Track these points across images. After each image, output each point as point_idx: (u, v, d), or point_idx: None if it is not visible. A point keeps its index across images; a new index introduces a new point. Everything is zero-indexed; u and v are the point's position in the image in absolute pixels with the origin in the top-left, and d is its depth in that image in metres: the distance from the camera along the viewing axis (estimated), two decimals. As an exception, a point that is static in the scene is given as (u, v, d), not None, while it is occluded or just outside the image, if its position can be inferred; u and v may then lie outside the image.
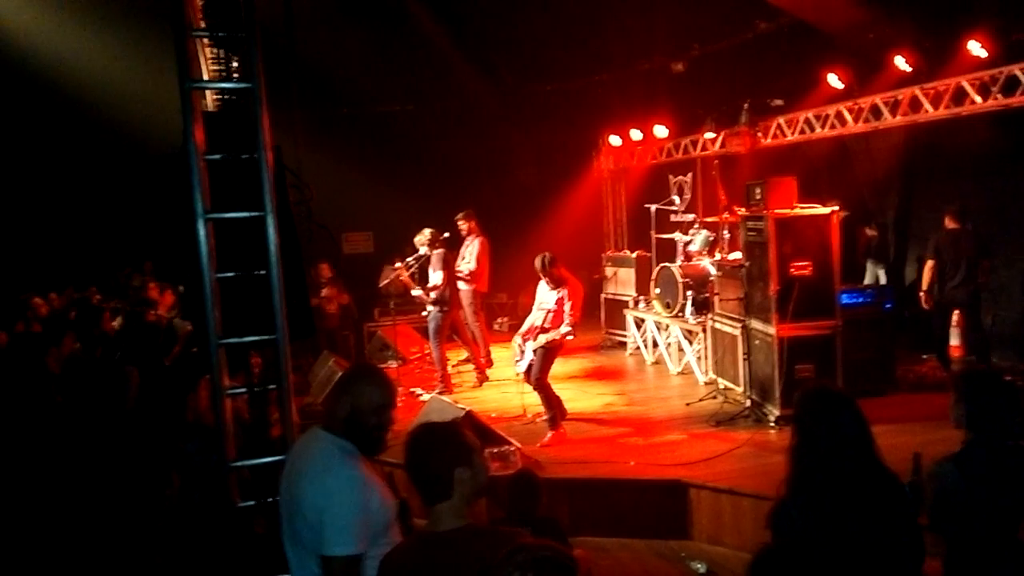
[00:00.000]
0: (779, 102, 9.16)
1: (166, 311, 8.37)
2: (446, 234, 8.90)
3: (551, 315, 6.73)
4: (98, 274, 10.36)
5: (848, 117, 8.04)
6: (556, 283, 6.73)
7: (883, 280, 9.82)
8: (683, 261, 9.26)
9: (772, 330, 6.65)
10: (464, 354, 9.93)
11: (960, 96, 6.93)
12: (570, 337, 6.79)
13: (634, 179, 12.24)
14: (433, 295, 8.52)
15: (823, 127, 8.39)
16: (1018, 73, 6.41)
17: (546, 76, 12.64)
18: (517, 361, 7.01)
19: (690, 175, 11.24)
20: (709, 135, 9.83)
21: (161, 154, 3.86)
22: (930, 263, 7.88)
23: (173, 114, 3.49)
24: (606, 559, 5.34)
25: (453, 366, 9.44)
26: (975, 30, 6.78)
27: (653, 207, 10.27)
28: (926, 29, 7.80)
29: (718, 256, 8.55)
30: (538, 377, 6.77)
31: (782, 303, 6.57)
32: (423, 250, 8.65)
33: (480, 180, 12.70)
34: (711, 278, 8.34)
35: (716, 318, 8.03)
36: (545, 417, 6.87)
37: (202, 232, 3.41)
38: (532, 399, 7.12)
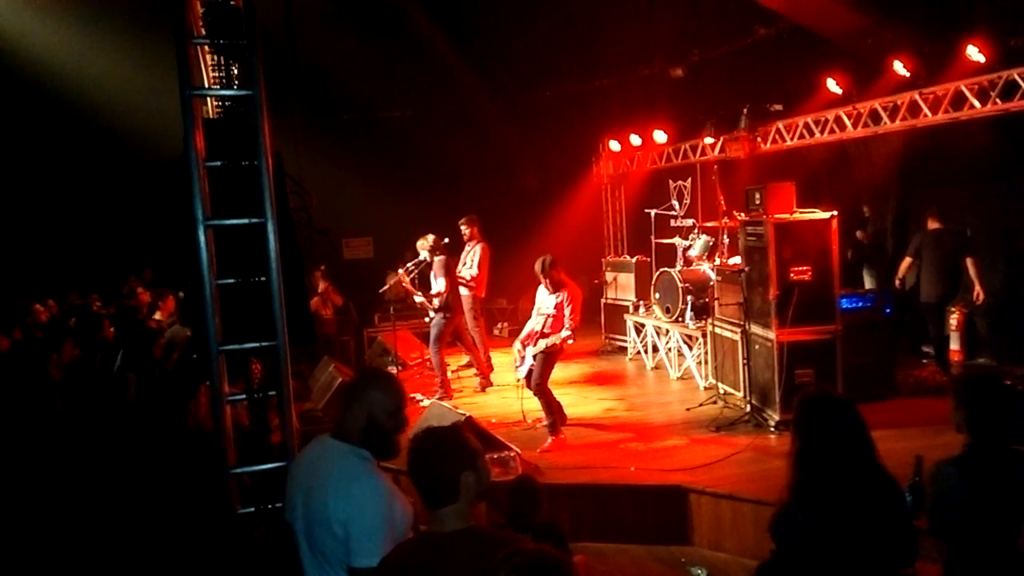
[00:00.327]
0: (778, 107, 9.18)
1: (166, 317, 8.37)
2: (446, 240, 8.91)
3: (551, 320, 6.73)
4: (99, 281, 10.37)
5: (847, 122, 8.06)
6: (555, 286, 6.73)
7: (869, 286, 9.84)
8: (683, 266, 9.27)
9: (772, 335, 6.65)
10: (464, 359, 9.93)
11: (959, 101, 6.95)
12: (570, 341, 6.79)
13: (634, 184, 12.26)
14: (436, 302, 8.53)
15: (822, 132, 8.40)
16: (1016, 77, 6.42)
17: (546, 81, 12.67)
18: (517, 366, 7.00)
19: (690, 180, 11.25)
20: (708, 140, 9.85)
21: (162, 161, 3.87)
22: (908, 260, 8.21)
23: (174, 121, 3.50)
24: (606, 564, 5.34)
25: (453, 371, 9.44)
26: (974, 35, 6.79)
27: (653, 212, 10.29)
28: (925, 34, 7.82)
29: (718, 261, 8.55)
30: (538, 382, 6.77)
31: (782, 308, 6.58)
32: (424, 255, 8.65)
33: (480, 185, 12.73)
34: (711, 283, 8.35)
35: (716, 323, 8.03)
36: (545, 422, 6.86)
37: (202, 239, 3.42)
38: (532, 404, 7.11)
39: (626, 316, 10.32)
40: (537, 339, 6.78)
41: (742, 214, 7.43)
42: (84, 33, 10.56)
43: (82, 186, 11.49)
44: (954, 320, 8.37)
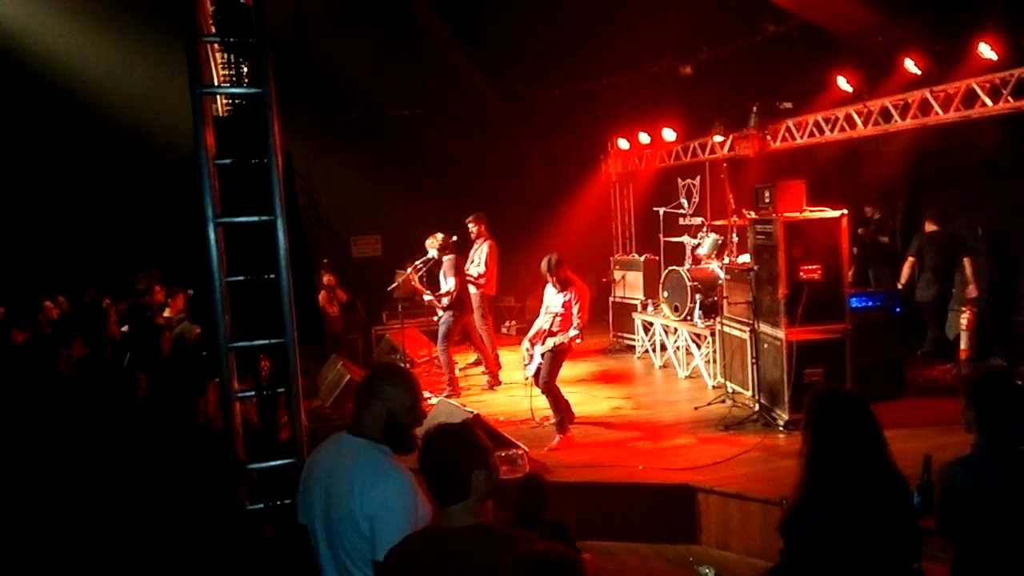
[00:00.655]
0: (788, 105, 9.14)
1: (175, 314, 8.40)
2: (454, 238, 8.92)
3: (559, 319, 6.74)
4: (111, 278, 10.42)
5: (857, 120, 8.02)
6: (562, 284, 6.73)
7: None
8: (691, 264, 9.25)
9: (781, 334, 6.63)
10: (472, 357, 9.94)
11: (970, 99, 6.90)
12: (578, 340, 6.79)
13: (642, 182, 12.24)
14: (446, 301, 8.54)
15: (832, 130, 8.37)
16: (1029, 76, 6.39)
17: (554, 80, 12.65)
18: (526, 365, 7.02)
19: (698, 178, 11.21)
20: (718, 138, 9.82)
21: (172, 159, 3.88)
22: (911, 260, 8.46)
23: (184, 119, 3.51)
24: (613, 563, 5.34)
25: (461, 369, 9.45)
26: (985, 32, 6.75)
27: (661, 210, 10.27)
28: (936, 32, 7.78)
29: (727, 259, 8.53)
30: (546, 380, 6.78)
31: (791, 307, 6.56)
32: (432, 253, 8.67)
33: (488, 184, 12.72)
34: (720, 282, 8.33)
35: (725, 322, 8.01)
36: (553, 421, 6.87)
37: (212, 236, 3.43)
38: (540, 403, 7.12)
39: (634, 314, 10.31)
40: (545, 337, 6.78)
41: (751, 212, 7.41)
42: (95, 32, 10.61)
43: (93, 184, 11.54)
44: (964, 320, 8.35)
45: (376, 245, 13.49)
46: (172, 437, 3.91)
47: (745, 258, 7.88)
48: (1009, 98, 6.54)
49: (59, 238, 11.48)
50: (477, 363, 9.70)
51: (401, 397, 2.62)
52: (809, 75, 8.97)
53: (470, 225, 9.41)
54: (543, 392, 6.86)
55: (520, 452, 5.88)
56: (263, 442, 3.88)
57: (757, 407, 7.00)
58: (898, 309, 7.61)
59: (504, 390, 8.88)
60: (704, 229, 9.42)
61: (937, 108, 7.18)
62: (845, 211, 6.72)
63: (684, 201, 10.69)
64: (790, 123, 8.93)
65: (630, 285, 10.62)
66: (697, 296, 8.66)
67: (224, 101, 4.11)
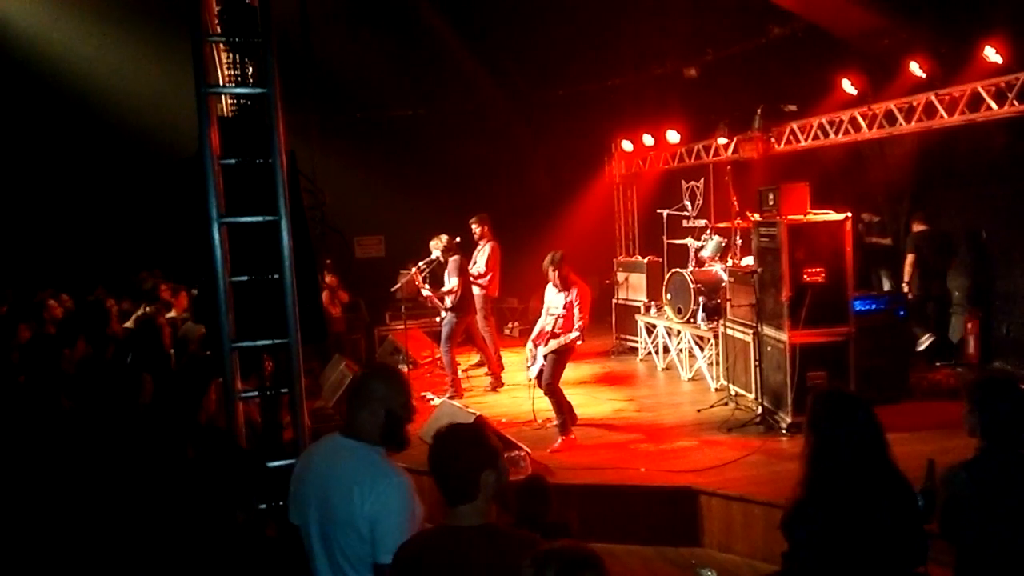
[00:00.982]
0: (792, 107, 9.13)
1: (180, 313, 8.41)
2: (458, 239, 8.93)
3: (561, 320, 6.73)
4: (116, 278, 10.44)
5: (862, 123, 8.01)
6: (564, 283, 6.72)
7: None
8: (695, 267, 9.25)
9: (784, 337, 6.62)
10: (475, 358, 9.94)
11: (976, 102, 6.89)
12: (579, 342, 6.79)
13: (646, 184, 12.23)
14: (448, 301, 8.54)
15: (837, 133, 8.35)
16: (1034, 79, 6.37)
17: (559, 81, 12.66)
18: (529, 366, 7.02)
19: (702, 180, 11.22)
20: (722, 140, 9.81)
21: (177, 158, 3.89)
22: (911, 257, 8.62)
23: (189, 118, 3.52)
24: (616, 565, 5.32)
25: (464, 371, 9.45)
26: (991, 36, 6.74)
27: (665, 212, 10.26)
28: (941, 35, 7.76)
29: (730, 262, 8.52)
30: (549, 382, 6.77)
31: (794, 309, 6.55)
32: (436, 254, 8.68)
33: (492, 185, 12.73)
34: (723, 284, 8.32)
35: (728, 324, 8.00)
36: (555, 422, 6.86)
37: (217, 236, 3.43)
38: (543, 404, 7.11)
39: (637, 317, 10.30)
40: (548, 339, 6.78)
41: (755, 215, 7.40)
42: (101, 31, 10.64)
43: (98, 183, 11.56)
44: (969, 323, 8.35)
45: (379, 245, 13.51)
46: (188, 439, 3.92)
47: (749, 260, 7.87)
48: (1014, 101, 6.52)
49: (64, 237, 11.50)
50: (480, 364, 9.70)
51: (399, 395, 2.65)
52: (814, 78, 8.96)
53: (474, 226, 9.41)
54: (546, 394, 6.85)
55: (522, 454, 5.89)
56: (266, 442, 3.89)
57: (760, 410, 6.98)
58: (902, 312, 7.59)
59: (507, 391, 8.87)
60: (708, 231, 9.41)
61: (942, 111, 7.17)
62: (849, 214, 6.71)
63: (688, 203, 10.70)
64: (794, 126, 8.92)
65: (633, 287, 10.61)
66: (700, 298, 8.65)
67: (229, 101, 4.12)
